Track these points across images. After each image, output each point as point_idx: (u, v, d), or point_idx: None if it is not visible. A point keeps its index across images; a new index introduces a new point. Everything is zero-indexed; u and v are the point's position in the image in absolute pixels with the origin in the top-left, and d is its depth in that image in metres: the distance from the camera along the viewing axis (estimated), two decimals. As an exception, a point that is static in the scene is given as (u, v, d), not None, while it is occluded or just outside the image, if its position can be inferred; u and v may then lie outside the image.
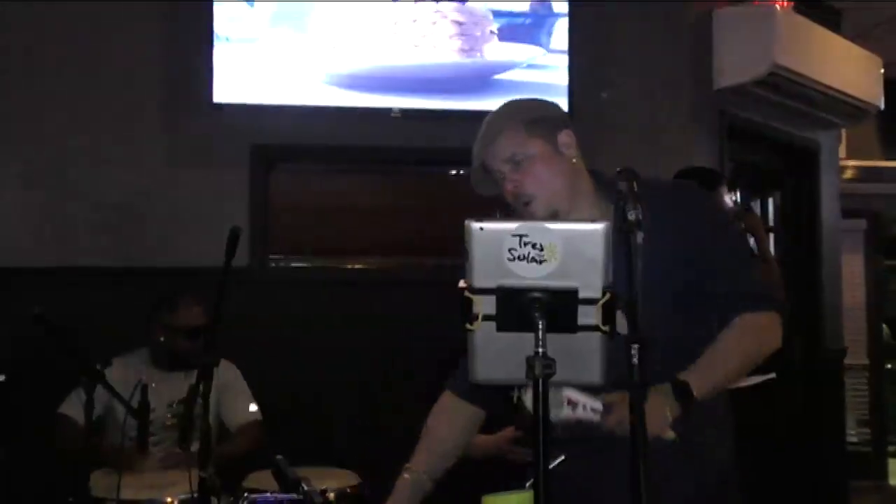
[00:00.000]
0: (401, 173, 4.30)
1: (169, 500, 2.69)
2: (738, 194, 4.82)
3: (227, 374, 3.28)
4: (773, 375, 3.55)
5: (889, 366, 7.35)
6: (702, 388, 1.74)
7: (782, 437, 4.71)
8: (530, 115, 1.86)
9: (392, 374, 3.80)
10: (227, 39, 3.69)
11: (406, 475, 1.95)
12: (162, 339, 3.24)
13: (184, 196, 3.83)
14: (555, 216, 1.80)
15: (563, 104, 3.89)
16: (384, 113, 3.86)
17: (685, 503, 1.81)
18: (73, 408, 3.07)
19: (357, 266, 4.12)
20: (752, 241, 3.84)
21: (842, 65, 4.99)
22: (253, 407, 3.32)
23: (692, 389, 1.73)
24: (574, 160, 1.87)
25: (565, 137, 1.86)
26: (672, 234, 1.80)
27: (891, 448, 7.13)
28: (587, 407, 1.68)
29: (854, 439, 6.74)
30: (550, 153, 1.84)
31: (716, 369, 1.79)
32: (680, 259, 1.80)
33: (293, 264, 4.06)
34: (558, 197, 1.83)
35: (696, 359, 1.78)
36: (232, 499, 2.79)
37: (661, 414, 1.68)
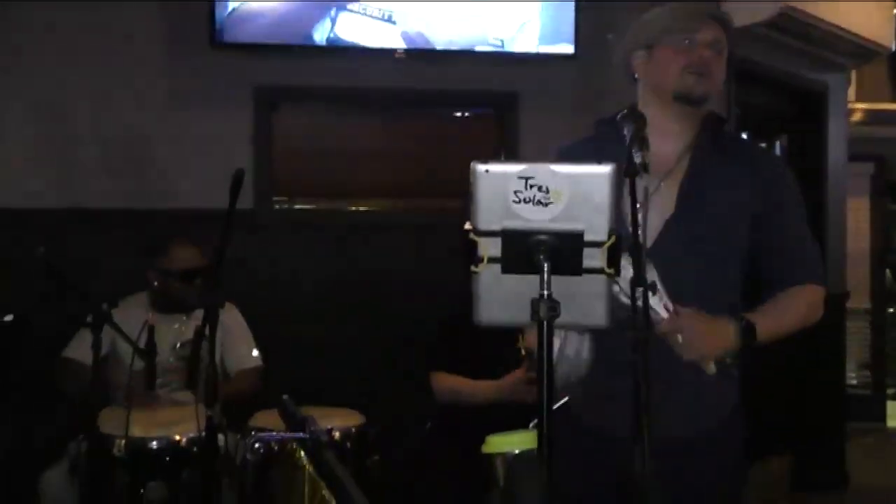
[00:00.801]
0: (405, 115, 4.26)
1: (177, 437, 2.74)
2: (745, 137, 4.76)
3: (231, 318, 3.29)
4: None
5: (891, 310, 7.38)
6: (762, 335, 1.85)
7: (782, 379, 4.75)
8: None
9: (395, 317, 3.82)
10: (229, -22, 3.64)
11: None
12: (156, 283, 3.25)
13: (187, 138, 3.81)
14: (703, 99, 1.91)
15: (570, 46, 3.86)
16: (388, 53, 3.81)
17: (690, 438, 1.86)
18: (77, 350, 3.10)
19: (361, 208, 4.11)
20: None
21: (853, 5, 4.91)
22: (255, 353, 3.34)
23: (756, 333, 1.83)
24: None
25: None
26: (749, 190, 1.91)
27: (890, 391, 7.20)
28: (662, 299, 1.70)
29: (854, 382, 6.80)
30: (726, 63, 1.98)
31: (777, 322, 1.90)
32: (747, 214, 1.91)
33: (297, 206, 4.06)
34: (716, 91, 1.94)
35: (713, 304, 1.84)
36: (239, 437, 2.85)
37: (725, 340, 1.79)
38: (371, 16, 3.78)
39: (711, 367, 1.76)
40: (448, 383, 3.04)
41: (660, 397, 1.53)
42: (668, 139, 1.90)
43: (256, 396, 3.15)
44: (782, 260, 1.94)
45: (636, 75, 1.98)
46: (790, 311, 1.93)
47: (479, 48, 3.87)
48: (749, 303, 1.94)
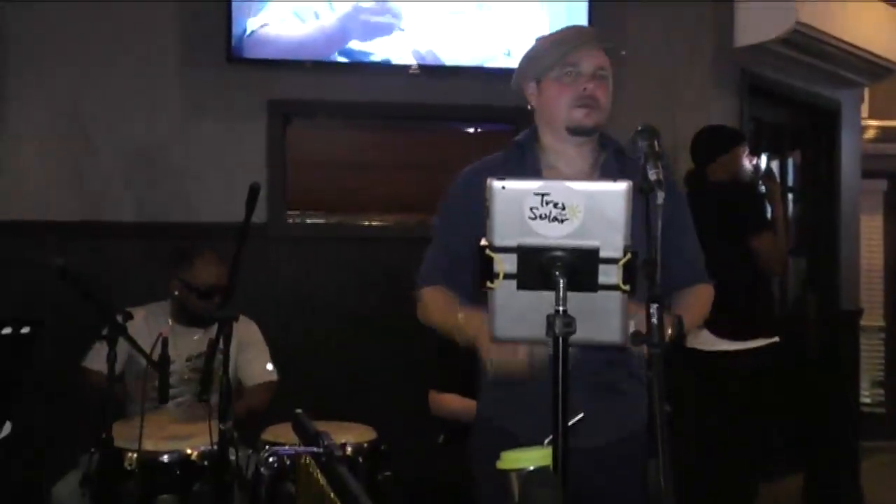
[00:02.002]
0: (419, 129, 4.28)
1: (189, 451, 2.73)
2: (765, 159, 4.75)
3: (248, 332, 3.29)
4: (776, 339, 3.61)
5: (905, 327, 7.32)
6: (687, 328, 1.91)
7: (796, 397, 4.72)
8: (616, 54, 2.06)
9: (409, 331, 3.82)
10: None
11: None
12: (177, 293, 3.24)
13: (202, 151, 3.83)
14: (595, 130, 1.99)
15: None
16: (402, 69, 3.83)
17: (615, 441, 1.95)
18: (96, 361, 3.10)
19: (374, 222, 4.12)
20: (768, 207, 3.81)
21: (865, 22, 4.91)
22: (269, 366, 3.32)
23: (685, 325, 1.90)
24: None
25: None
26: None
27: (904, 409, 7.13)
28: None
29: (868, 400, 6.75)
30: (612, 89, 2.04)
31: (693, 315, 2.01)
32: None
33: (309, 220, 4.07)
34: (605, 119, 2.01)
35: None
36: (251, 451, 2.84)
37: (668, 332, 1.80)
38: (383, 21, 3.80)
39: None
40: (444, 403, 3.06)
41: (592, 403, 1.60)
42: (570, 162, 2.02)
43: (268, 409, 3.15)
44: (681, 265, 2.03)
45: (530, 105, 2.06)
46: (703, 307, 2.08)
47: (490, 63, 3.88)
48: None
